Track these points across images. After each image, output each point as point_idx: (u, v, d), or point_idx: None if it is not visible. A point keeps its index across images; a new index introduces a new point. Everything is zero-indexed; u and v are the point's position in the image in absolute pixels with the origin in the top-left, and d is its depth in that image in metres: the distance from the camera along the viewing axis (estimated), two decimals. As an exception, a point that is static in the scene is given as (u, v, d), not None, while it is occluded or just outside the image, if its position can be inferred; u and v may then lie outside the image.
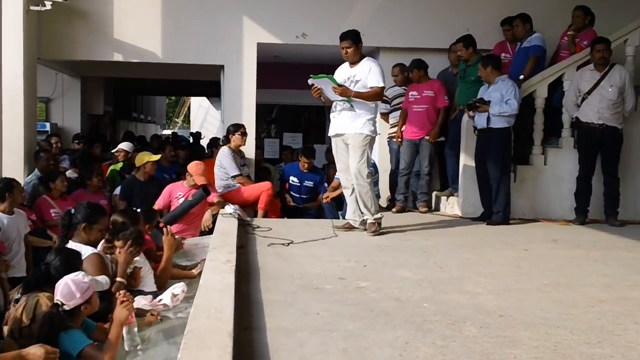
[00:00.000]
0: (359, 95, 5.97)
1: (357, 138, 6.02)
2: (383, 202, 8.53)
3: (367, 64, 6.10)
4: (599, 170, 7.15)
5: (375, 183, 8.16)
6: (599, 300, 3.94)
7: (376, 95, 6.07)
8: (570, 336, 3.21)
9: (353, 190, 6.16)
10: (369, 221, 6.10)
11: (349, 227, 6.25)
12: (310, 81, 6.03)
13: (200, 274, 4.42)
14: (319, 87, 6.01)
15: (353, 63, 6.13)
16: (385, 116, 8.60)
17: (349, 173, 6.14)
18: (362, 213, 6.15)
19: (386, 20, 8.81)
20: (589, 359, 2.92)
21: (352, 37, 6.08)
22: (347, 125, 6.07)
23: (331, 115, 6.23)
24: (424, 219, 7.40)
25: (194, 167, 7.22)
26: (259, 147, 10.57)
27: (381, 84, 6.05)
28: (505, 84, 6.99)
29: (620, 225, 6.97)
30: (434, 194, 8.38)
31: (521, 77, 7.55)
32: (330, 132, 6.27)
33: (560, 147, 7.59)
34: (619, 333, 3.28)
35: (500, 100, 6.89)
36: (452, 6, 8.77)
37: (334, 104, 6.16)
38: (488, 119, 6.92)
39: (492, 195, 7.03)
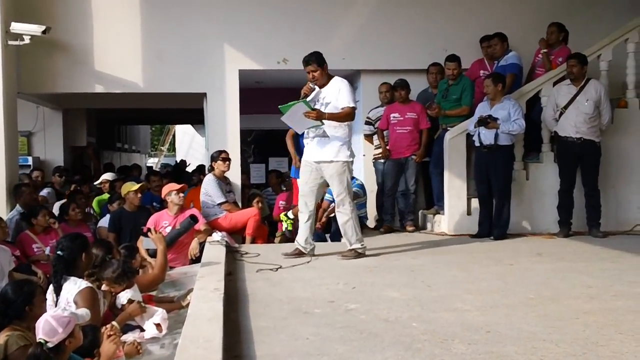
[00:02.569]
0: (332, 116, 5.90)
1: (335, 167, 6.00)
2: (371, 223, 8.60)
3: (335, 85, 6.03)
4: (580, 183, 7.27)
5: (363, 205, 8.28)
6: (583, 312, 4.00)
7: (347, 115, 5.97)
8: (556, 349, 3.27)
9: (309, 217, 6.13)
10: (348, 248, 6.10)
11: (299, 254, 6.10)
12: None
13: (188, 305, 4.43)
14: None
15: (322, 85, 6.06)
16: (369, 138, 8.69)
17: (310, 197, 6.12)
18: (346, 240, 6.13)
19: (366, 43, 8.93)
20: (574, 371, 2.98)
21: (315, 59, 5.98)
22: (322, 152, 6.01)
23: (305, 141, 6.19)
24: (411, 238, 7.47)
25: (165, 190, 7.26)
26: (245, 172, 10.61)
27: (352, 104, 5.97)
28: (511, 103, 7.20)
29: (603, 236, 7.08)
30: (420, 212, 8.46)
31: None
32: (305, 157, 6.19)
33: (541, 162, 7.71)
34: (603, 344, 3.34)
35: (507, 118, 7.08)
36: (430, 27, 8.90)
37: (306, 131, 6.10)
38: (496, 135, 7.05)
39: (494, 210, 7.20)
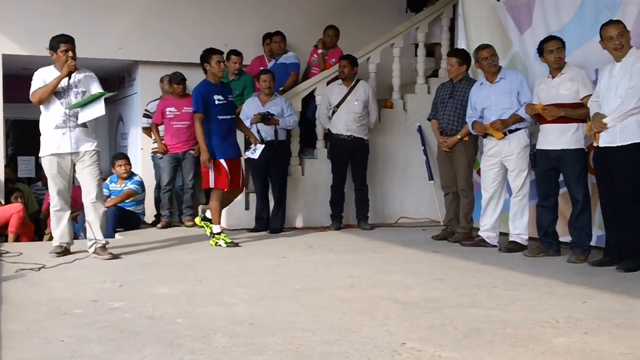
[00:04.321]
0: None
1: (94, 156, 5.80)
2: (149, 218, 8.42)
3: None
4: (350, 178, 7.65)
5: (141, 201, 8.08)
6: (342, 301, 4.21)
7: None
8: (312, 337, 3.41)
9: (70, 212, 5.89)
10: (99, 244, 5.82)
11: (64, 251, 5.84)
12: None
13: None
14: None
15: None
16: (147, 131, 8.50)
17: (69, 194, 5.87)
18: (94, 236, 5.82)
19: (144, 34, 8.70)
20: (327, 357, 3.11)
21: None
22: (82, 142, 5.74)
23: (57, 131, 5.70)
24: (189, 234, 7.42)
25: None
26: (9, 165, 9.86)
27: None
28: (282, 100, 7.44)
29: (370, 228, 7.52)
30: (199, 207, 8.43)
31: (281, 89, 7.89)
32: (54, 149, 5.70)
33: (316, 158, 8.02)
34: (356, 330, 3.54)
35: (282, 114, 7.29)
36: (212, 21, 8.87)
37: (62, 119, 5.68)
38: (275, 131, 7.27)
39: (273, 205, 7.50)
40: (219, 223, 6.54)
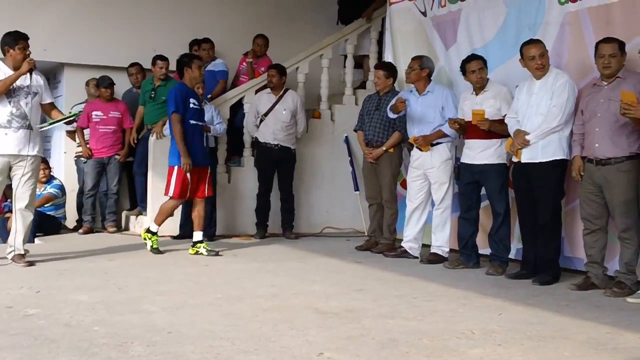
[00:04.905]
0: None
1: (34, 162, 5.67)
2: (71, 223, 8.24)
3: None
4: (276, 187, 7.66)
5: (62, 205, 7.90)
6: (263, 310, 4.22)
7: None
8: (231, 346, 3.41)
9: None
10: (18, 253, 5.66)
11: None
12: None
13: None
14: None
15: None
16: (71, 134, 8.35)
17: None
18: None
19: (71, 36, 8.51)
20: (245, 366, 3.13)
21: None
22: (24, 145, 5.58)
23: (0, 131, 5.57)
24: (112, 240, 7.33)
25: None
26: None
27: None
28: (212, 107, 7.42)
29: (295, 238, 7.55)
30: (123, 213, 8.31)
31: (209, 96, 7.84)
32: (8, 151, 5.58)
33: (242, 166, 8.00)
34: (275, 339, 3.55)
35: (212, 121, 7.24)
36: (140, 25, 8.74)
37: (6, 119, 5.53)
38: (206, 138, 7.03)
39: None
40: (159, 225, 6.47)
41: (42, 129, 5.81)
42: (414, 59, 6.42)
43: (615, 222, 4.96)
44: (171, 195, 6.36)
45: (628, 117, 4.61)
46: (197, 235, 6.44)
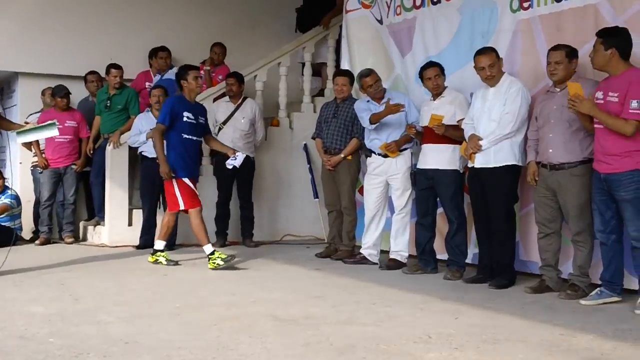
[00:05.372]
0: None
1: None
2: (27, 234, 8.12)
3: None
4: (236, 195, 7.64)
5: (17, 216, 7.78)
6: (221, 318, 4.21)
7: None
8: (188, 355, 3.40)
9: None
10: None
11: None
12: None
13: None
14: None
15: None
16: (27, 145, 8.20)
17: None
18: None
19: (25, 45, 8.37)
20: (202, 375, 3.12)
21: None
22: None
23: None
24: (69, 250, 7.25)
25: None
26: None
27: None
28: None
29: (255, 246, 7.53)
30: (80, 223, 8.21)
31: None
32: None
33: (201, 175, 7.92)
34: (233, 347, 3.55)
35: None
36: (96, 34, 8.62)
37: None
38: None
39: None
40: (209, 242, 6.29)
41: (19, 135, 5.75)
42: (367, 74, 6.39)
43: (569, 225, 5.06)
44: (182, 208, 6.28)
45: (573, 112, 4.70)
46: (159, 244, 6.40)
